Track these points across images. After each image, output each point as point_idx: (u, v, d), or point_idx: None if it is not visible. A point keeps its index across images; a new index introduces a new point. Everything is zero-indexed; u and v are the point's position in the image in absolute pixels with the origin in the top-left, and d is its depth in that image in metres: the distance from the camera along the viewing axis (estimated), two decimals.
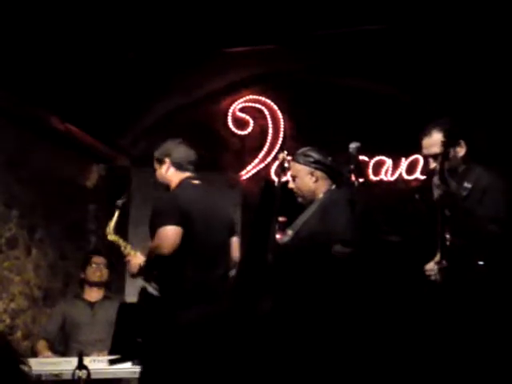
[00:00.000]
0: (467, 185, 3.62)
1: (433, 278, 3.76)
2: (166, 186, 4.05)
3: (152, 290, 3.82)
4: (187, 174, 4.01)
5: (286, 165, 3.85)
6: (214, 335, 3.75)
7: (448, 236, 3.60)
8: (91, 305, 5.16)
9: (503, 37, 5.12)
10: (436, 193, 3.59)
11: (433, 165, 3.68)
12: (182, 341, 3.68)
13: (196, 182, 4.02)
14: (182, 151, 4.04)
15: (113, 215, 4.20)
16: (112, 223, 4.17)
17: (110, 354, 4.18)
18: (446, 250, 3.59)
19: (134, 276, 3.99)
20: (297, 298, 3.63)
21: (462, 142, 3.69)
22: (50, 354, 4.87)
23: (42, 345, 4.98)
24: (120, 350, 3.89)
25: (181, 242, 3.72)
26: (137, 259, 3.90)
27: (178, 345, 3.67)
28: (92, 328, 5.05)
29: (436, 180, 3.60)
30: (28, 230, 5.49)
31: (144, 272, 3.89)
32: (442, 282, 3.68)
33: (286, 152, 3.84)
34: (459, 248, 3.56)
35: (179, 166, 4.00)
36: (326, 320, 3.50)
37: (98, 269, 5.21)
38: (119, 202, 4.25)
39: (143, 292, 3.85)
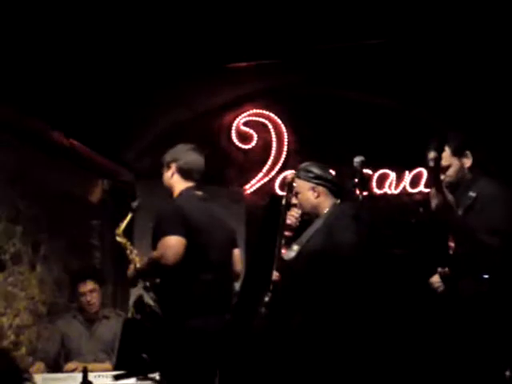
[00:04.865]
0: (472, 194, 3.66)
1: (439, 290, 3.78)
2: (169, 192, 4.02)
3: (148, 299, 3.81)
4: (190, 184, 3.97)
5: (295, 184, 3.84)
6: (223, 345, 3.75)
7: (452, 244, 3.63)
8: (88, 324, 5.04)
9: (502, 48, 5.13)
10: (433, 203, 3.65)
11: (442, 176, 3.74)
12: (192, 350, 3.66)
13: (198, 192, 3.99)
14: (189, 158, 3.98)
15: (124, 217, 4.19)
16: (123, 225, 4.15)
17: (115, 369, 4.16)
18: (449, 258, 3.63)
19: (131, 282, 3.98)
20: (306, 312, 3.62)
21: (469, 153, 3.74)
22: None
23: (37, 367, 4.78)
24: (125, 366, 3.88)
25: (185, 253, 3.69)
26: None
27: (189, 354, 3.65)
28: (89, 347, 4.97)
29: (433, 191, 3.65)
30: (32, 245, 5.49)
31: (139, 278, 3.88)
32: (446, 290, 3.72)
33: (303, 176, 3.81)
34: (462, 257, 3.58)
35: (184, 174, 3.96)
36: (335, 333, 3.49)
37: (85, 301, 5.00)
38: (134, 205, 4.23)
39: (139, 300, 3.85)
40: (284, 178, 4.01)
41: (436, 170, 3.60)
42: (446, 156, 3.72)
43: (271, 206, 5.68)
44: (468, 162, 3.75)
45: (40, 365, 4.83)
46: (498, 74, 5.51)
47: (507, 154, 5.98)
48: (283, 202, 3.74)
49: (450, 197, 3.67)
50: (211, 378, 3.77)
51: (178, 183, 3.97)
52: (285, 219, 3.72)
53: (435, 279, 3.84)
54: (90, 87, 5.23)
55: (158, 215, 3.83)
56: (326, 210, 3.81)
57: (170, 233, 3.67)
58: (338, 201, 3.85)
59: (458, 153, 3.71)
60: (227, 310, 3.85)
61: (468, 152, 3.75)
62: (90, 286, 5.03)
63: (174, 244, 3.65)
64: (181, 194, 3.94)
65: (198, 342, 3.66)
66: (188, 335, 3.68)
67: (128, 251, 4.06)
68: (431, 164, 3.75)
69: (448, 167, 3.70)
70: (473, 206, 3.62)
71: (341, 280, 3.51)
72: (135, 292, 4.19)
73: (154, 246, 3.77)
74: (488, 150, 5.91)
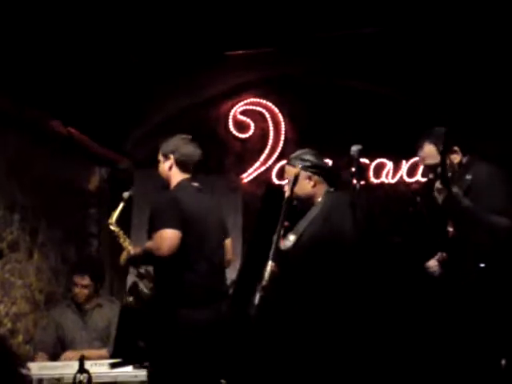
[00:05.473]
0: (468, 177, 3.66)
1: (436, 274, 3.80)
2: (166, 182, 4.05)
3: (142, 286, 3.85)
4: (187, 176, 4.01)
5: (297, 175, 3.77)
6: (220, 336, 3.77)
7: (451, 229, 3.64)
8: (82, 313, 5.04)
9: (503, 38, 5.12)
10: (439, 198, 3.63)
11: (430, 175, 3.75)
12: (187, 341, 3.69)
13: (195, 184, 4.04)
14: (188, 151, 4.01)
15: (117, 206, 4.24)
16: (115, 214, 4.19)
17: (112, 357, 4.17)
18: (448, 243, 3.64)
19: (124, 267, 4.04)
20: (305, 301, 3.63)
21: (457, 149, 3.75)
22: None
23: (41, 357, 4.79)
24: (122, 354, 3.90)
25: (181, 245, 3.72)
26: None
27: (183, 345, 3.68)
28: (83, 335, 4.97)
29: (438, 185, 3.64)
30: (30, 233, 5.49)
31: (132, 264, 3.94)
32: (442, 274, 3.74)
33: (300, 165, 3.73)
34: (461, 241, 3.60)
35: (182, 166, 4.00)
36: (333, 320, 3.50)
37: (78, 292, 5.01)
38: (125, 194, 4.27)
39: (134, 287, 3.88)
40: (282, 169, 3.95)
41: (443, 165, 3.59)
42: (434, 154, 3.75)
43: (268, 195, 5.68)
44: (457, 157, 3.78)
45: (42, 355, 4.81)
46: (498, 63, 5.49)
47: (508, 143, 5.98)
48: (287, 194, 3.68)
49: (455, 190, 3.64)
50: (204, 369, 3.79)
51: (175, 175, 4.00)
52: (286, 211, 3.68)
53: (432, 263, 3.87)
54: (88, 76, 5.23)
55: (155, 206, 3.86)
56: (320, 199, 3.79)
57: (166, 225, 3.70)
58: (332, 189, 3.83)
59: (445, 150, 3.71)
60: (222, 300, 3.87)
61: (456, 148, 3.77)
62: (85, 281, 5.01)
63: (169, 237, 3.68)
64: (178, 185, 3.97)
65: (191, 332, 3.69)
66: (181, 326, 3.70)
67: (121, 239, 4.10)
68: (423, 163, 3.82)
69: (437, 165, 3.70)
70: (470, 188, 3.64)
71: (339, 268, 3.52)
72: (130, 280, 4.23)
73: (150, 236, 3.80)
74: (489, 139, 5.92)
